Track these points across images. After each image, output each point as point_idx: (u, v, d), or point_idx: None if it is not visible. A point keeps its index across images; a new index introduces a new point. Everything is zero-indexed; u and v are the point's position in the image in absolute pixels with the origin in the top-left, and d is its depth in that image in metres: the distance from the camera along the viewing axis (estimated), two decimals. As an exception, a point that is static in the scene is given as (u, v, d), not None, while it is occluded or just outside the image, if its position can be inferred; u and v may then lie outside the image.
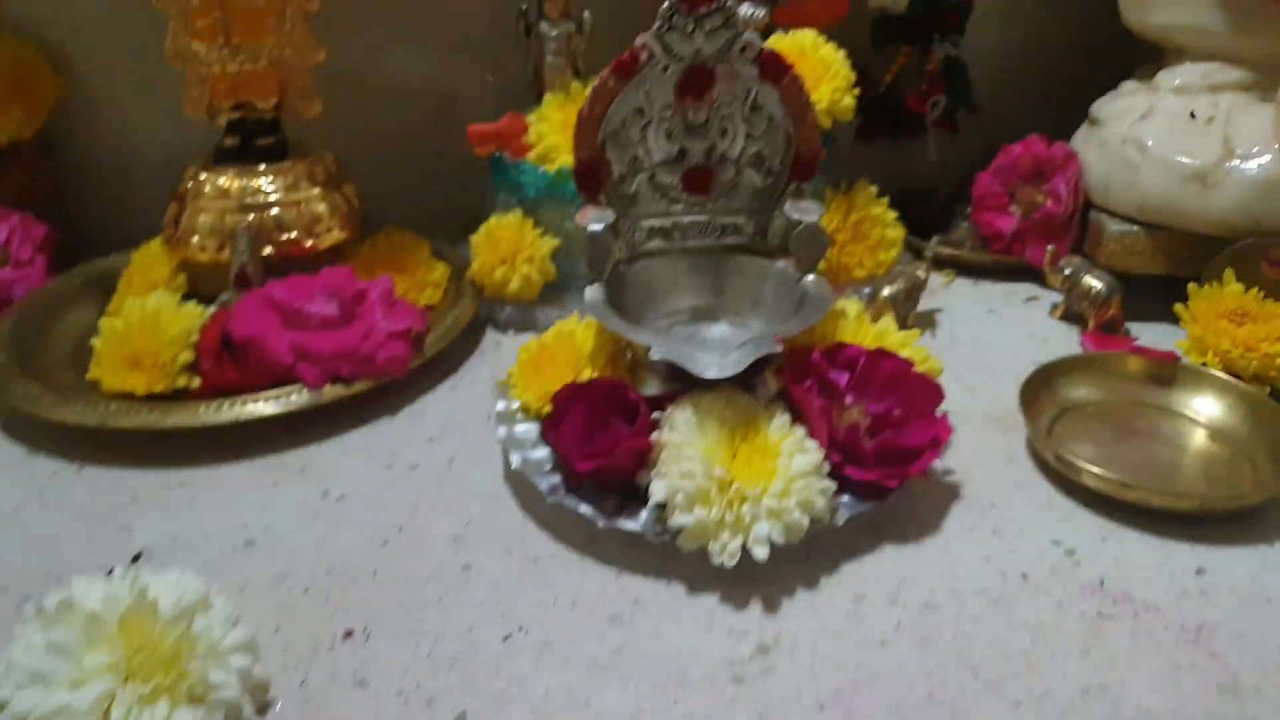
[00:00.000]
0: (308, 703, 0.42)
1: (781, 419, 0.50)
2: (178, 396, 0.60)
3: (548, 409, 0.55)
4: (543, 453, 0.53)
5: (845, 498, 0.49)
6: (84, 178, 0.84)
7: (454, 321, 0.66)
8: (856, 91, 0.69)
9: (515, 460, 0.53)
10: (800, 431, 0.49)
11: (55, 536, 0.52)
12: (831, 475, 0.49)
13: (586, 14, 0.71)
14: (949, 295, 0.74)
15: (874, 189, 0.72)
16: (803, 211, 0.56)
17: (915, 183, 0.85)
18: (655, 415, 0.50)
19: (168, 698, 0.39)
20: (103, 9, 0.77)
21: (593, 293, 0.55)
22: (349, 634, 0.45)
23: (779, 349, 0.49)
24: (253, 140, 0.68)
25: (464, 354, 0.68)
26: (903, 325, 0.68)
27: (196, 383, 0.60)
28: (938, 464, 0.55)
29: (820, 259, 0.56)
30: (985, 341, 0.68)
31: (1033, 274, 0.75)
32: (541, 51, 0.71)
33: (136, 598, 0.40)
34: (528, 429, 0.55)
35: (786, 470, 0.47)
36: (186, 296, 0.68)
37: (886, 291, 0.67)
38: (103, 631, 0.40)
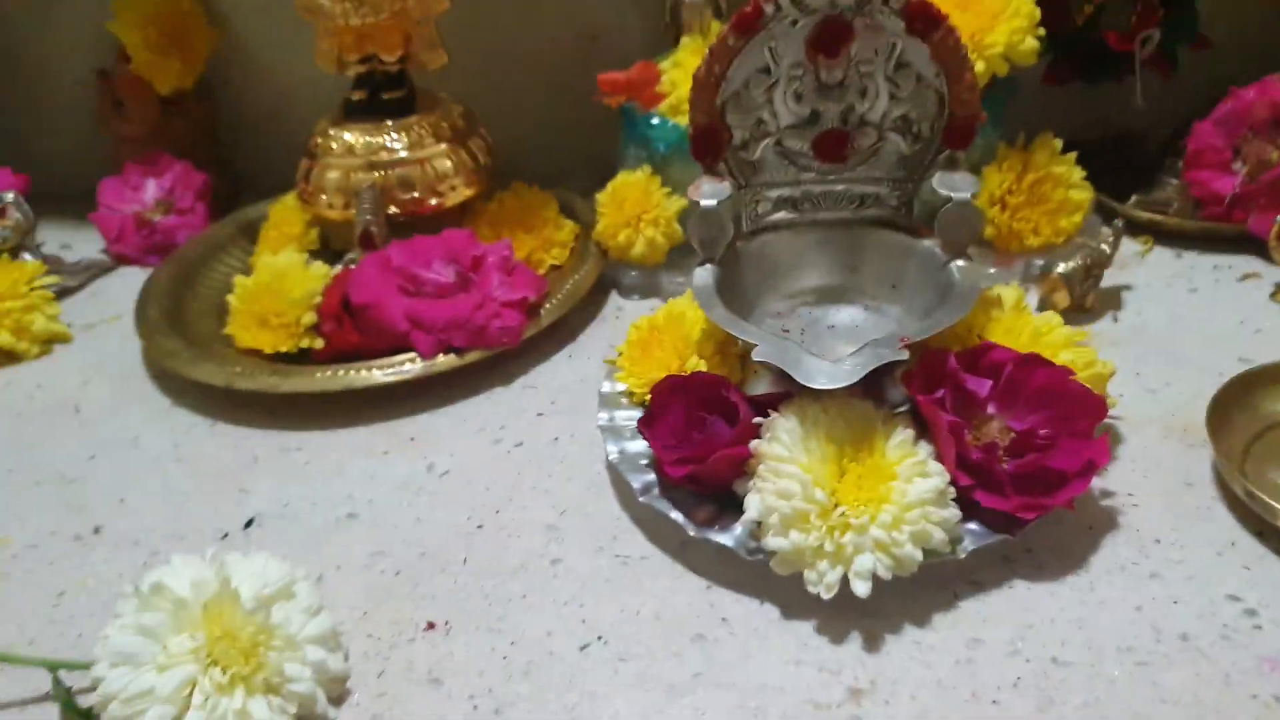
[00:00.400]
0: (381, 697, 0.42)
1: (903, 435, 0.44)
2: (303, 356, 0.61)
3: (649, 397, 0.51)
4: (641, 445, 0.50)
5: (973, 525, 0.44)
6: (239, 125, 0.86)
7: (574, 287, 0.64)
8: (1042, 31, 0.59)
9: (612, 451, 0.50)
10: (924, 450, 0.44)
11: (185, 493, 0.55)
12: (960, 499, 0.43)
13: (730, -54, 0.64)
14: (1144, 267, 0.64)
15: (1057, 144, 0.62)
16: (954, 186, 0.49)
17: (1114, 131, 0.74)
18: (759, 420, 0.46)
19: (244, 687, 0.40)
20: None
21: (702, 276, 0.50)
22: (431, 626, 0.45)
23: (903, 356, 0.43)
24: (379, 94, 0.67)
25: (584, 320, 0.65)
26: (1080, 306, 0.59)
27: (320, 343, 0.61)
28: (1096, 483, 0.47)
29: (971, 242, 0.49)
30: (1181, 328, 0.58)
31: (1254, 246, 0.63)
32: (679, -10, 0.66)
33: (221, 585, 0.41)
34: (630, 416, 0.52)
35: (902, 497, 0.42)
36: (320, 252, 0.69)
37: (1061, 268, 0.58)
38: (189, 617, 0.41)
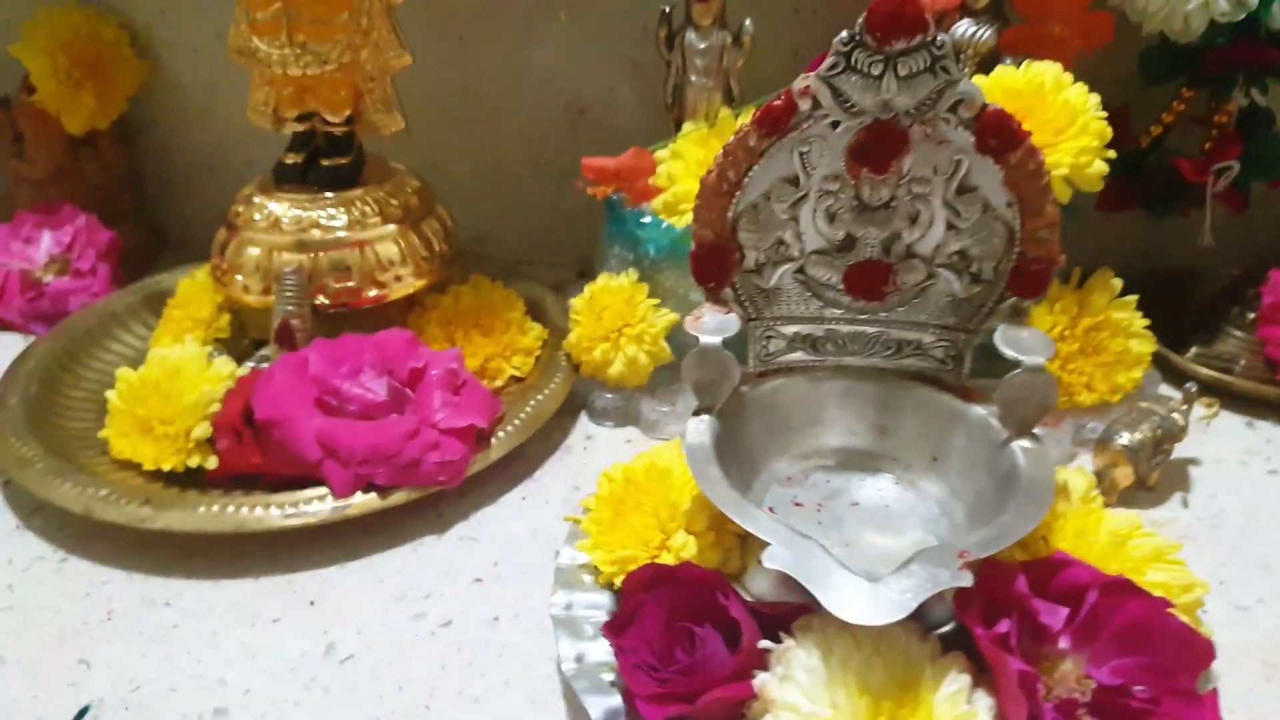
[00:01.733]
0: None
1: (956, 682, 0.33)
2: (192, 475, 0.49)
3: (620, 580, 0.40)
4: (607, 649, 0.38)
5: (1042, 814, 0.32)
6: (168, 173, 0.75)
7: (536, 410, 0.52)
8: (1111, 154, 0.50)
9: (567, 656, 0.38)
10: (984, 706, 0.32)
11: (7, 660, 0.42)
12: (1025, 777, 0.32)
13: (748, 23, 0.55)
14: (1210, 436, 0.54)
15: (1117, 284, 0.52)
16: (1022, 347, 0.38)
17: (1167, 267, 0.64)
18: (765, 644, 0.35)
19: None
20: (193, -15, 0.67)
21: (698, 430, 0.39)
22: None
23: (966, 581, 0.32)
24: (319, 159, 0.56)
25: (546, 450, 0.54)
26: (1143, 485, 0.49)
27: (214, 462, 0.49)
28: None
29: (1041, 419, 0.39)
30: (1266, 523, 0.48)
31: (1339, 419, 0.53)
32: (685, 68, 0.56)
33: None
34: (594, 603, 0.41)
35: (955, 781, 0.30)
36: (232, 341, 0.58)
37: (1125, 439, 0.48)
38: None
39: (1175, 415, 0.49)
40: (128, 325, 0.62)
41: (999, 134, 0.37)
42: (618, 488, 0.43)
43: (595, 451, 0.54)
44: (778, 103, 0.37)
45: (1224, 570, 0.45)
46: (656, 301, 0.54)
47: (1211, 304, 0.61)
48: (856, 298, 0.41)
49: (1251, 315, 0.57)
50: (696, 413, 0.40)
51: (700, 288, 0.41)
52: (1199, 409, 0.53)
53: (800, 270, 0.41)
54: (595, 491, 0.44)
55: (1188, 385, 0.50)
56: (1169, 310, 0.57)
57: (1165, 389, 0.56)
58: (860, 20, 0.33)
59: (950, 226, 0.39)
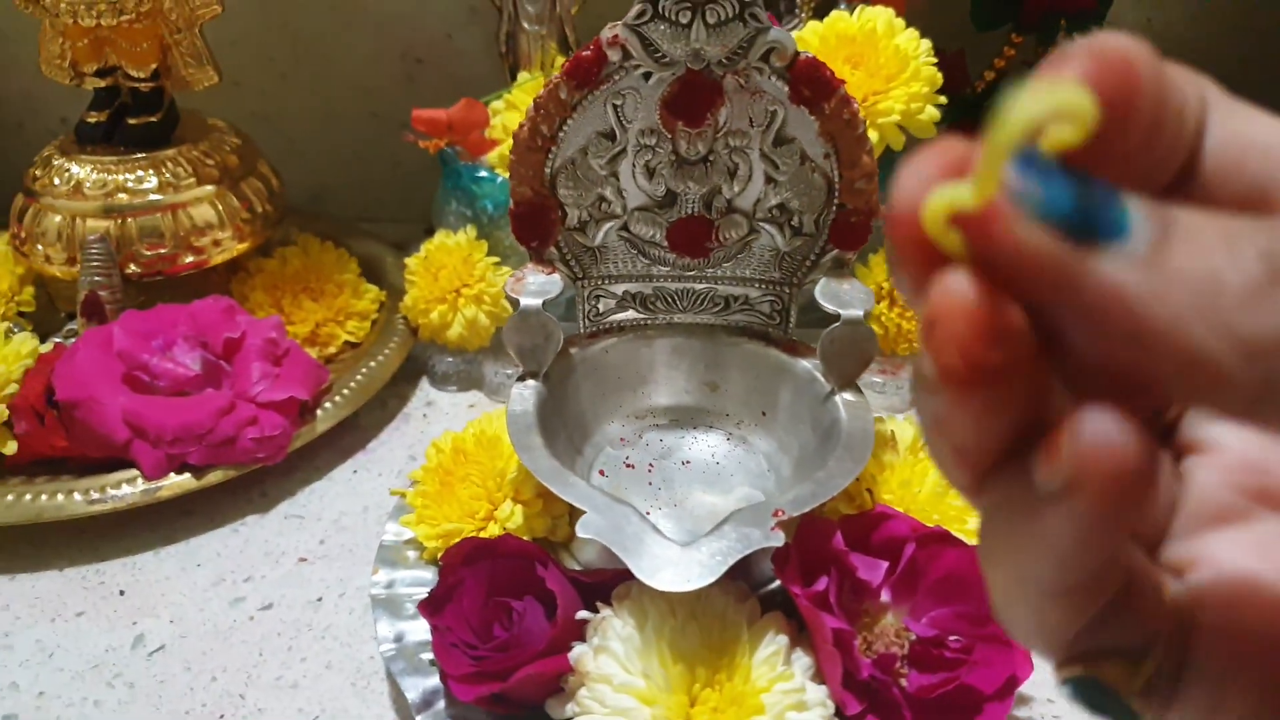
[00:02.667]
0: None
1: (773, 643, 0.32)
2: (-11, 462, 0.45)
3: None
4: (427, 629, 0.37)
5: (858, 764, 0.32)
6: (-33, 132, 0.68)
7: (369, 376, 0.50)
8: (943, 99, 0.49)
9: (385, 637, 0.36)
10: (799, 667, 0.32)
11: None
12: (843, 731, 0.32)
13: (581, -34, 0.52)
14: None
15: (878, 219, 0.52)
16: (841, 300, 0.38)
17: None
18: (583, 615, 0.33)
19: None
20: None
21: (521, 397, 0.38)
22: None
23: (778, 542, 0.32)
24: (124, 117, 0.51)
25: (382, 418, 0.51)
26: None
27: (12, 446, 0.45)
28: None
29: (862, 371, 0.38)
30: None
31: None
32: (517, 14, 0.53)
33: None
34: (419, 578, 0.39)
35: (768, 742, 0.30)
36: (39, 315, 0.53)
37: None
38: None
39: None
40: (-79, 300, 0.56)
41: (812, 83, 0.35)
42: (445, 459, 0.41)
43: (436, 419, 0.52)
44: (586, 53, 0.35)
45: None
46: (496, 260, 0.52)
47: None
48: (680, 254, 0.40)
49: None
50: (521, 378, 0.39)
51: (523, 246, 0.39)
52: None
53: (624, 227, 0.39)
54: (423, 464, 0.42)
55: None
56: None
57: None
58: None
59: (769, 180, 0.38)
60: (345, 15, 0.62)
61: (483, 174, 0.52)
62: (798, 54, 0.35)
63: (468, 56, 0.63)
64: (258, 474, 0.46)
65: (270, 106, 0.64)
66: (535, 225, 0.38)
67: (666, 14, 0.34)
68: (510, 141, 0.50)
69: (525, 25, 0.53)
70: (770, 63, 0.35)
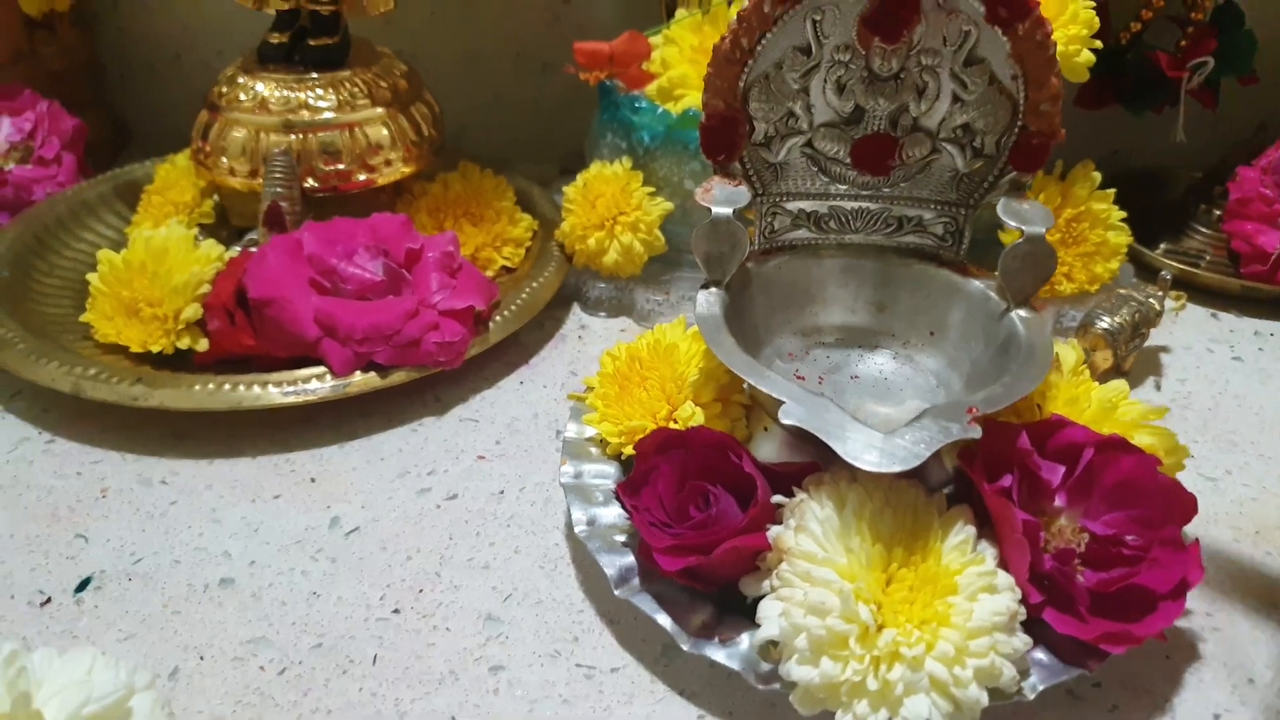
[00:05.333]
0: None
1: (963, 532, 0.34)
2: (181, 358, 0.48)
3: (630, 450, 0.40)
4: (616, 513, 0.39)
5: (1040, 653, 0.34)
6: (129, 63, 0.71)
7: (531, 297, 0.52)
8: (1099, 44, 0.50)
9: (579, 521, 0.38)
10: (989, 554, 0.34)
11: (1, 535, 0.41)
12: (1026, 621, 0.33)
13: (744, -95, 0.53)
14: (1178, 327, 0.56)
15: (1097, 176, 0.53)
16: (1023, 217, 0.39)
17: (1138, 166, 0.66)
18: (777, 499, 0.35)
19: None
20: None
21: (708, 301, 0.39)
22: (322, 756, 0.33)
23: (976, 434, 0.33)
24: (305, 39, 0.53)
25: (540, 339, 0.53)
26: (1119, 369, 0.50)
27: (204, 344, 0.48)
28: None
29: (1039, 289, 0.39)
30: (1230, 404, 0.50)
31: (1300, 311, 0.55)
32: (679, -49, 0.54)
33: (16, 704, 0.28)
34: (601, 472, 0.41)
35: (965, 620, 0.31)
36: (215, 227, 0.56)
37: (1105, 323, 0.49)
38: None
39: (1151, 300, 0.50)
40: (99, 215, 0.59)
41: (1008, 3, 0.36)
42: (622, 365, 0.43)
43: (590, 340, 0.54)
44: (794, -32, 0.36)
45: (1195, 447, 0.46)
46: (651, 190, 0.54)
47: (1178, 203, 0.62)
48: (863, 171, 0.41)
49: (1217, 213, 0.59)
50: (705, 285, 0.40)
51: (709, 160, 0.40)
52: (1169, 301, 0.54)
53: (808, 144, 0.41)
54: (598, 371, 0.44)
55: (1163, 274, 0.52)
56: (1138, 208, 0.58)
57: (1150, 286, 0.58)
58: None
59: (956, 99, 0.39)
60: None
61: (641, 105, 0.53)
62: (999, -27, 0.36)
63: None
64: (431, 380, 0.48)
65: (417, 46, 0.66)
66: (724, 138, 0.40)
67: (878, -69, 0.35)
68: (669, 75, 0.53)
69: (686, -38, 0.54)
70: (971, -18, 0.36)
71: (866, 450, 0.32)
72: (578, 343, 0.53)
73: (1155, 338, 0.53)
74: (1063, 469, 0.36)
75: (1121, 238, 0.54)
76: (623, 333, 0.54)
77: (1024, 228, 0.39)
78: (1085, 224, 0.53)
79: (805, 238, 0.43)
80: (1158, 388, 0.51)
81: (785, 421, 0.33)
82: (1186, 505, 0.36)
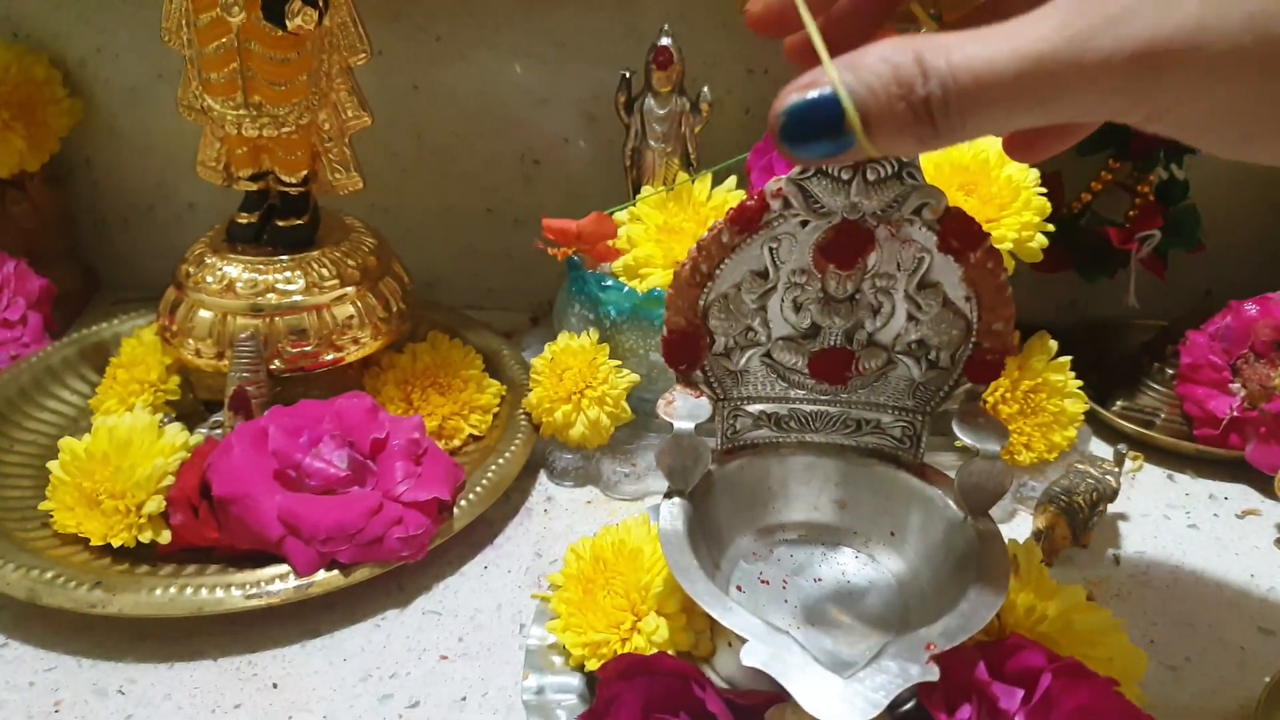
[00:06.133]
0: None
1: (924, 775, 0.34)
2: (142, 549, 0.47)
3: (592, 663, 0.40)
4: (581, 735, 0.38)
5: None
6: (102, 212, 0.71)
7: (499, 475, 0.52)
8: (1050, 227, 0.51)
9: (541, 747, 0.38)
10: (950, 798, 0.33)
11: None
12: None
13: (705, 90, 0.55)
14: (1136, 490, 0.56)
15: (1053, 345, 0.54)
16: (979, 436, 0.39)
17: (1089, 320, 0.67)
18: (740, 736, 0.35)
19: None
20: (130, 24, 0.64)
21: (670, 515, 0.39)
22: None
23: (934, 676, 0.33)
24: (274, 219, 0.54)
25: (507, 512, 0.53)
26: (1079, 544, 0.51)
27: (166, 536, 0.47)
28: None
29: (995, 503, 0.40)
30: (1189, 580, 0.50)
31: (1250, 474, 0.56)
32: (644, 133, 0.56)
33: None
34: (564, 686, 0.41)
35: None
36: (181, 403, 0.55)
37: (1064, 501, 0.50)
38: None
39: (1108, 477, 0.51)
40: (64, 381, 0.59)
41: (961, 235, 0.37)
42: (586, 566, 0.43)
43: (556, 514, 0.54)
44: (751, 203, 0.37)
45: (1154, 630, 0.47)
46: (618, 363, 0.54)
47: (1133, 358, 0.63)
48: (820, 381, 0.42)
49: (1170, 371, 0.60)
50: (668, 494, 0.40)
51: (672, 369, 0.41)
52: (1128, 462, 0.55)
53: (767, 355, 0.41)
54: (561, 560, 0.44)
55: (1119, 447, 0.53)
56: (1093, 361, 0.59)
57: (1096, 442, 0.59)
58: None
59: (911, 318, 0.40)
60: (470, 118, 0.65)
61: (608, 282, 0.54)
62: (948, 208, 0.37)
63: (582, 160, 0.66)
64: (395, 570, 0.47)
65: (391, 199, 0.67)
66: (685, 351, 0.40)
67: (830, 172, 0.36)
68: (634, 253, 0.53)
69: (651, 143, 0.56)
70: (922, 215, 0.37)
71: (828, 701, 0.32)
72: (544, 517, 0.53)
73: (1114, 504, 0.54)
74: (1020, 693, 0.36)
75: (1078, 406, 0.54)
76: (589, 504, 0.54)
77: (979, 445, 0.39)
78: (1043, 394, 0.54)
79: (767, 436, 0.44)
80: (1117, 561, 0.51)
81: (746, 662, 0.33)
82: (1146, 733, 0.36)
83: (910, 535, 0.43)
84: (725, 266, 0.39)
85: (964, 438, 0.39)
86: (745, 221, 0.38)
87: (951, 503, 0.41)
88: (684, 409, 0.40)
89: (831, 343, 0.41)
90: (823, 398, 0.43)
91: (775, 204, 0.37)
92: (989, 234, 0.38)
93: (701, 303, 0.39)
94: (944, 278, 0.39)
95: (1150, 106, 0.25)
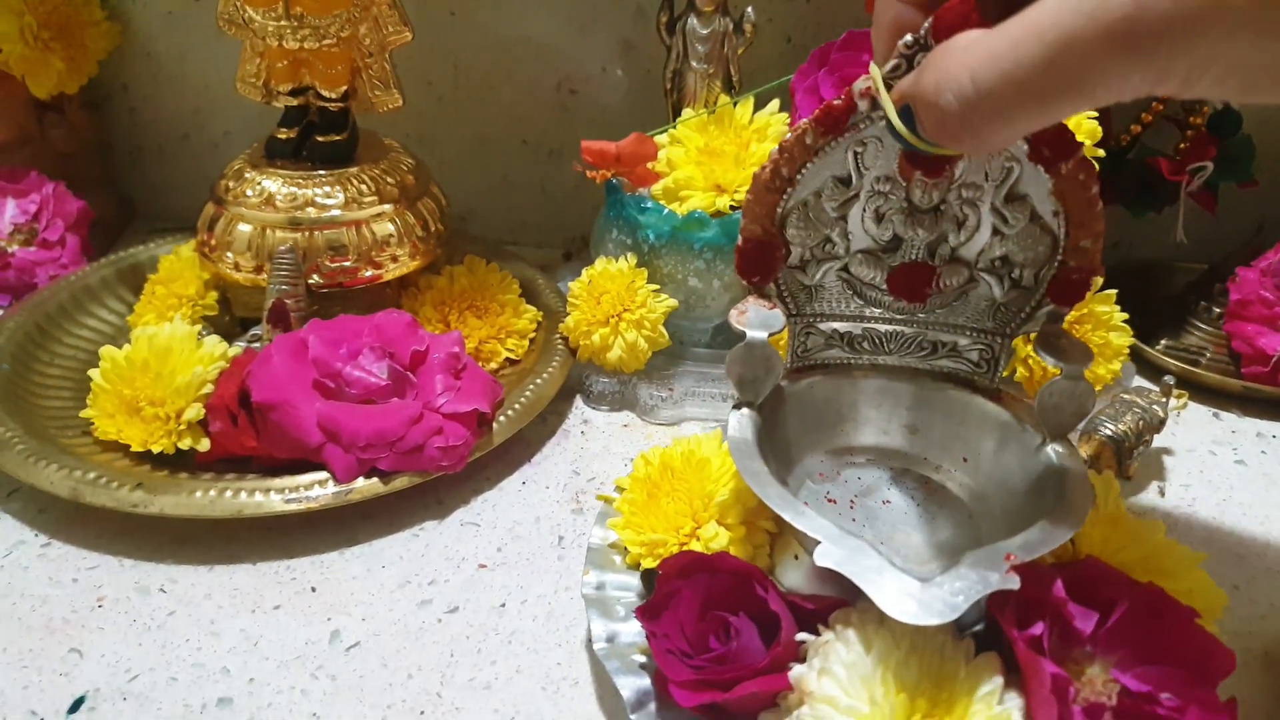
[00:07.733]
0: None
1: (990, 683, 0.31)
2: (182, 456, 0.45)
3: (649, 563, 0.38)
4: (638, 630, 0.36)
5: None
6: (137, 143, 0.69)
7: (535, 394, 0.49)
8: (1101, 153, 0.49)
9: (599, 636, 0.36)
10: (1016, 707, 0.31)
11: (-12, 650, 0.38)
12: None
13: (750, 10, 0.52)
14: (1180, 427, 0.54)
15: (1098, 278, 0.52)
16: (1063, 356, 0.37)
17: (1135, 260, 0.64)
18: (802, 636, 0.33)
19: None
20: (170, -55, 0.62)
21: (740, 424, 0.37)
22: None
23: (1015, 584, 0.31)
24: (314, 135, 0.51)
25: (543, 435, 0.51)
26: (1125, 477, 0.48)
27: (205, 444, 0.45)
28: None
29: (1076, 424, 0.37)
30: (1236, 513, 0.48)
31: (1301, 414, 0.54)
32: (686, 54, 0.53)
33: None
34: (624, 584, 0.39)
35: (995, 781, 0.29)
36: (217, 319, 0.53)
37: (1109, 430, 0.47)
38: None
39: (1155, 407, 0.49)
40: (102, 300, 0.57)
41: (1053, 143, 0.34)
42: (654, 471, 0.41)
43: (593, 436, 0.51)
44: (838, 102, 0.34)
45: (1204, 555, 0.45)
46: (656, 287, 0.52)
47: (1178, 298, 0.61)
48: (898, 298, 0.39)
49: (1217, 310, 0.57)
50: (737, 406, 0.38)
51: (744, 281, 0.38)
52: (1172, 400, 0.53)
53: (844, 268, 0.39)
54: (599, 478, 0.42)
55: (1166, 378, 0.50)
56: (1138, 301, 0.57)
57: (1138, 380, 0.56)
58: (926, 24, 0.30)
59: (996, 232, 0.37)
60: (506, 45, 0.62)
61: (647, 204, 0.52)
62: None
63: (619, 89, 0.63)
64: (434, 482, 0.45)
65: (426, 129, 0.65)
66: (759, 261, 0.38)
67: (917, 65, 0.33)
68: (674, 175, 0.51)
69: (693, 64, 0.53)
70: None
71: (903, 600, 0.30)
72: (580, 439, 0.51)
73: (1158, 439, 0.52)
74: (1096, 616, 0.34)
75: (1124, 339, 0.52)
76: (625, 427, 0.52)
77: (1062, 363, 0.37)
78: (1088, 326, 0.51)
79: (838, 357, 0.41)
80: (1162, 494, 0.49)
81: (820, 562, 0.31)
82: (1223, 662, 0.34)
83: (984, 461, 0.40)
84: (807, 171, 0.36)
85: (1046, 357, 0.37)
86: (831, 122, 0.35)
87: (1030, 427, 0.39)
88: (757, 318, 0.37)
89: (913, 257, 0.38)
90: (899, 317, 0.40)
91: (863, 104, 0.34)
92: (1082, 144, 0.35)
93: (780, 210, 0.37)
94: (1032, 190, 0.36)
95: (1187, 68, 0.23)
